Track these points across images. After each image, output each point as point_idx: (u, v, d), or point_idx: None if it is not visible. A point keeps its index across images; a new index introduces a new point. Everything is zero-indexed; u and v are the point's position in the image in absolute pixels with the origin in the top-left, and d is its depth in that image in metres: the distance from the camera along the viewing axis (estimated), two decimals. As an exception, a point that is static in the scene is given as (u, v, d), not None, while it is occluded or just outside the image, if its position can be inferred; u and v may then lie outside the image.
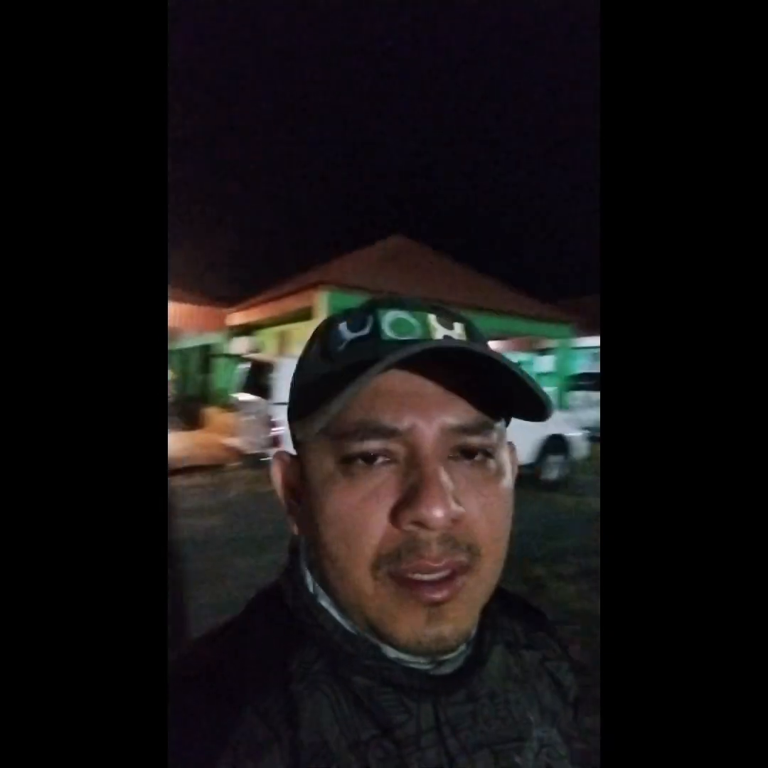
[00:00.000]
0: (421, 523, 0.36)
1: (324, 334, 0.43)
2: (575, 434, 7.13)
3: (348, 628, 0.41)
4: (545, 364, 14.96)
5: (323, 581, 0.43)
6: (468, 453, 0.39)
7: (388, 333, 0.40)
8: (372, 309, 0.42)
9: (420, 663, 0.41)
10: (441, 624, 0.37)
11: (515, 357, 14.40)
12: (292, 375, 0.46)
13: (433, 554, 0.37)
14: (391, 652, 0.40)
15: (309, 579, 0.44)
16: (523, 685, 0.47)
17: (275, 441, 5.82)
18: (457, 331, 0.42)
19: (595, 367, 15.40)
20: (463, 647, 0.43)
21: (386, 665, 0.40)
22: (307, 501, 0.41)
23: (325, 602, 0.43)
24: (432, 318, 0.42)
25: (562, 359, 12.64)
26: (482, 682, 0.44)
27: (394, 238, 12.78)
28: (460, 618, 0.38)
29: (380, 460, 0.38)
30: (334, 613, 0.42)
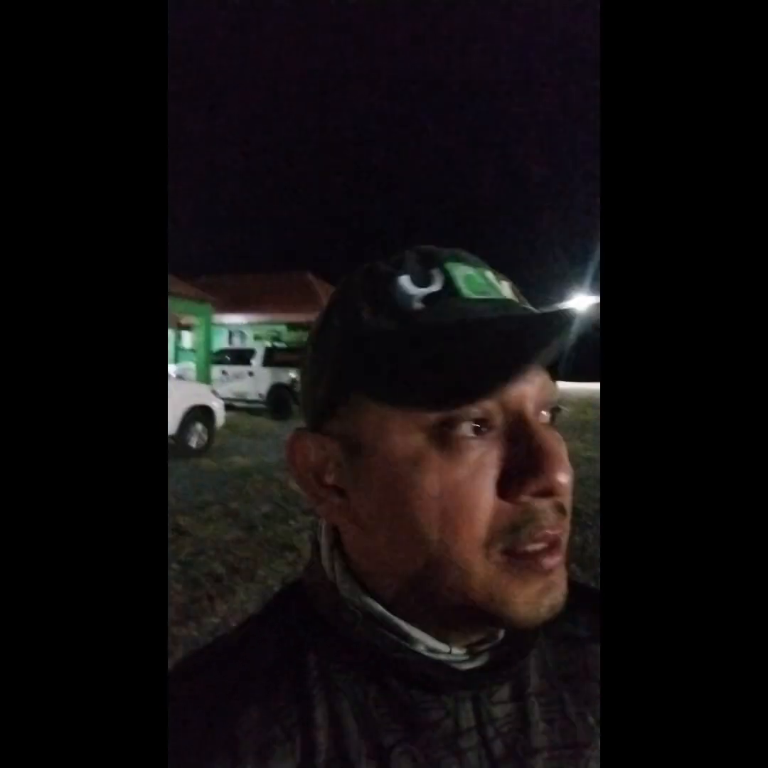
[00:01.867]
0: (546, 493, 0.34)
1: (380, 288, 0.38)
2: (216, 404, 7.67)
3: (376, 622, 0.38)
4: (187, 340, 16.13)
5: (375, 571, 0.39)
6: (547, 412, 0.38)
7: (466, 291, 0.37)
8: (436, 262, 0.39)
9: (451, 655, 0.39)
10: (553, 591, 0.36)
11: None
12: (317, 340, 0.40)
13: (551, 522, 0.35)
14: (420, 645, 0.38)
15: (335, 572, 0.41)
16: (586, 684, 0.43)
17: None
18: (507, 287, 0.41)
19: (234, 343, 17.42)
20: (501, 635, 0.40)
21: (415, 658, 0.37)
22: (373, 484, 0.37)
23: (352, 596, 0.40)
24: (490, 274, 0.40)
25: (202, 336, 13.19)
26: (528, 678, 0.41)
27: None
28: (563, 582, 0.37)
29: (480, 428, 0.35)
30: (364, 606, 0.39)
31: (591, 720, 0.41)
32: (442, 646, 0.38)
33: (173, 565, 3.46)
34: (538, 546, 0.35)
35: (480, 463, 0.35)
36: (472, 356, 0.34)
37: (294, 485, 5.48)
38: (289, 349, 13.34)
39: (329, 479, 0.40)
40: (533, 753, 0.38)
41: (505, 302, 0.38)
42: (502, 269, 0.42)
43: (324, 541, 0.43)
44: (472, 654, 0.39)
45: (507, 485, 0.34)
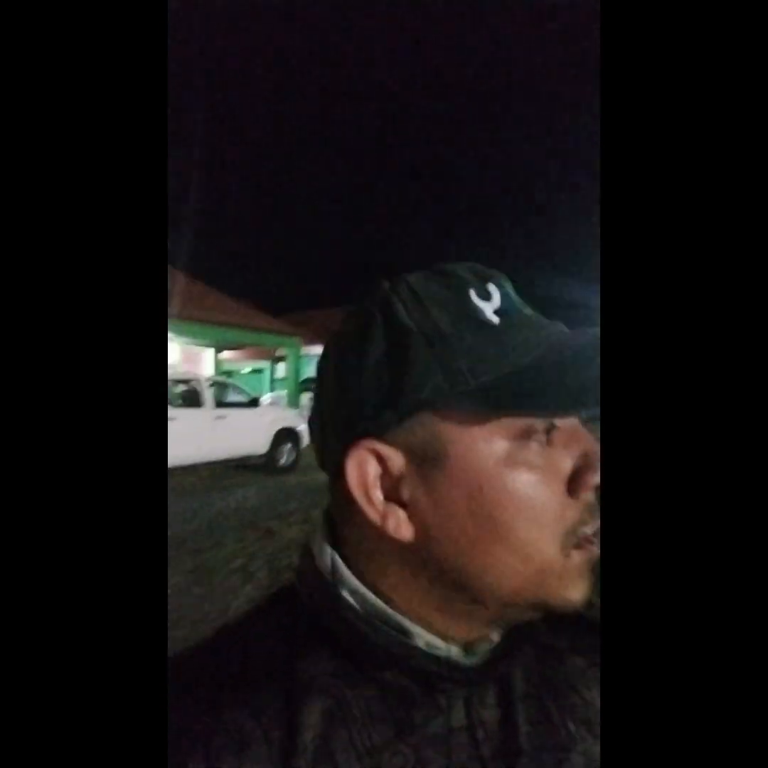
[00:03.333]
0: (598, 486, 0.38)
1: (454, 297, 0.39)
2: (302, 427, 8.51)
3: (376, 618, 0.39)
4: (280, 370, 17.80)
5: (383, 571, 0.40)
6: None
7: (521, 308, 0.40)
8: (489, 278, 0.40)
9: (450, 652, 0.40)
10: (591, 578, 0.39)
11: (255, 364, 19.58)
12: (372, 340, 0.38)
13: (599, 515, 0.39)
14: (420, 640, 0.39)
15: (336, 571, 0.41)
16: (567, 694, 0.44)
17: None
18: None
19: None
20: (496, 636, 0.42)
21: (415, 653, 0.38)
22: (454, 492, 0.37)
23: (353, 594, 0.40)
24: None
25: (292, 366, 14.67)
26: (514, 683, 0.42)
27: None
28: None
29: (551, 432, 0.38)
30: (364, 603, 0.40)
31: (571, 726, 0.42)
32: (439, 643, 0.39)
33: (259, 561, 4.20)
34: (595, 537, 0.39)
35: (553, 465, 0.37)
36: (569, 375, 0.36)
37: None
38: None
39: (380, 493, 0.39)
40: (519, 754, 0.39)
41: (552, 322, 0.42)
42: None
43: (320, 543, 0.43)
44: (468, 653, 0.41)
45: (573, 483, 0.38)
